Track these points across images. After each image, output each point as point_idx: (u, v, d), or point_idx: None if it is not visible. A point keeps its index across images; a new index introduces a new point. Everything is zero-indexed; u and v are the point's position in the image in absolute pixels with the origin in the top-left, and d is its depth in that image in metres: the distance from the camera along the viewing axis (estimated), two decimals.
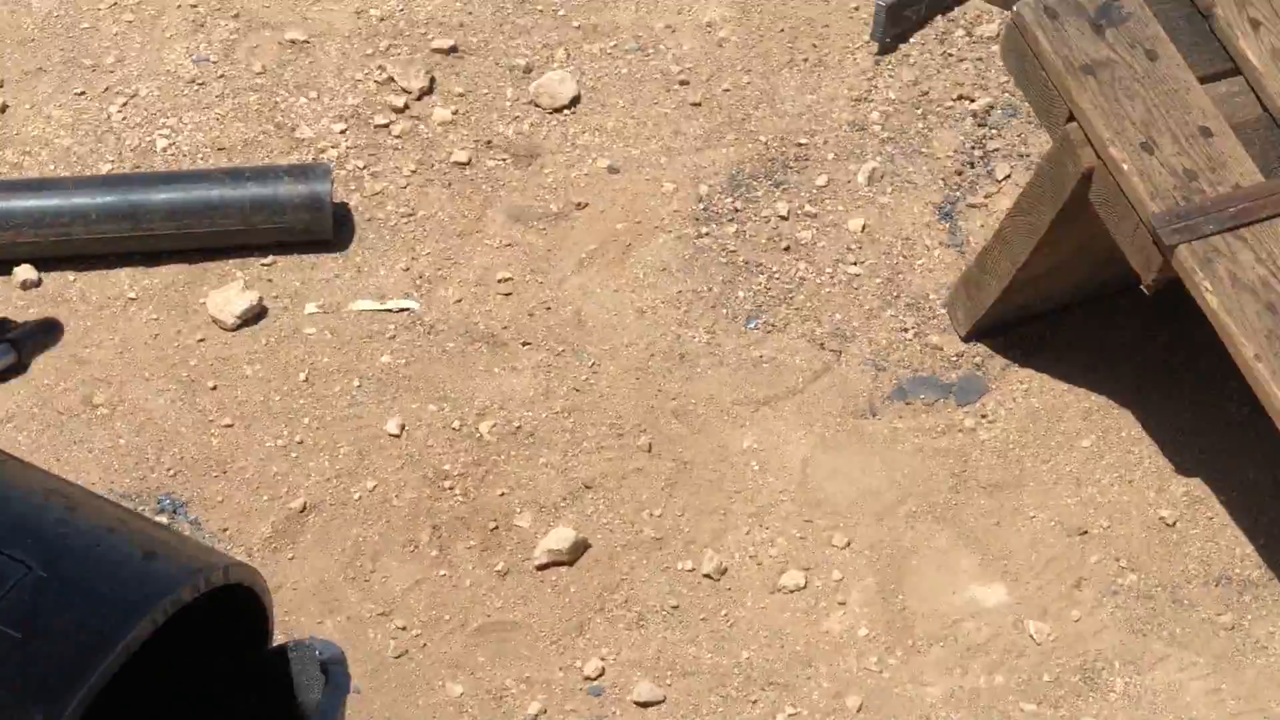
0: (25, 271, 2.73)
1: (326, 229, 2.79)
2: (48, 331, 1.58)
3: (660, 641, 2.38)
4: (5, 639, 1.40)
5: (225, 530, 2.46)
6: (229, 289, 2.72)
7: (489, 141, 2.94)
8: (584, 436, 2.57)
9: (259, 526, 2.47)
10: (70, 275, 2.74)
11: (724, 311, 2.71)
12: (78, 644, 1.41)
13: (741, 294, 2.73)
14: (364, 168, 2.90)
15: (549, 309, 2.72)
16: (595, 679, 2.36)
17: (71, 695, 1.37)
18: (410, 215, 2.84)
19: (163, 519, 2.47)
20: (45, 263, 2.75)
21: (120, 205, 2.73)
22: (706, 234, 2.81)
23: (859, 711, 2.32)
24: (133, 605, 1.44)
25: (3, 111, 2.96)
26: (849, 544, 2.47)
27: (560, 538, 2.44)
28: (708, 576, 2.43)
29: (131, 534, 1.53)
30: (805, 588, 2.43)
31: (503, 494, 2.51)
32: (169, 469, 2.53)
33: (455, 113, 2.98)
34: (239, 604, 1.61)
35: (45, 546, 1.47)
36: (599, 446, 2.56)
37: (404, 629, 2.38)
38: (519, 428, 2.58)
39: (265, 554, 2.44)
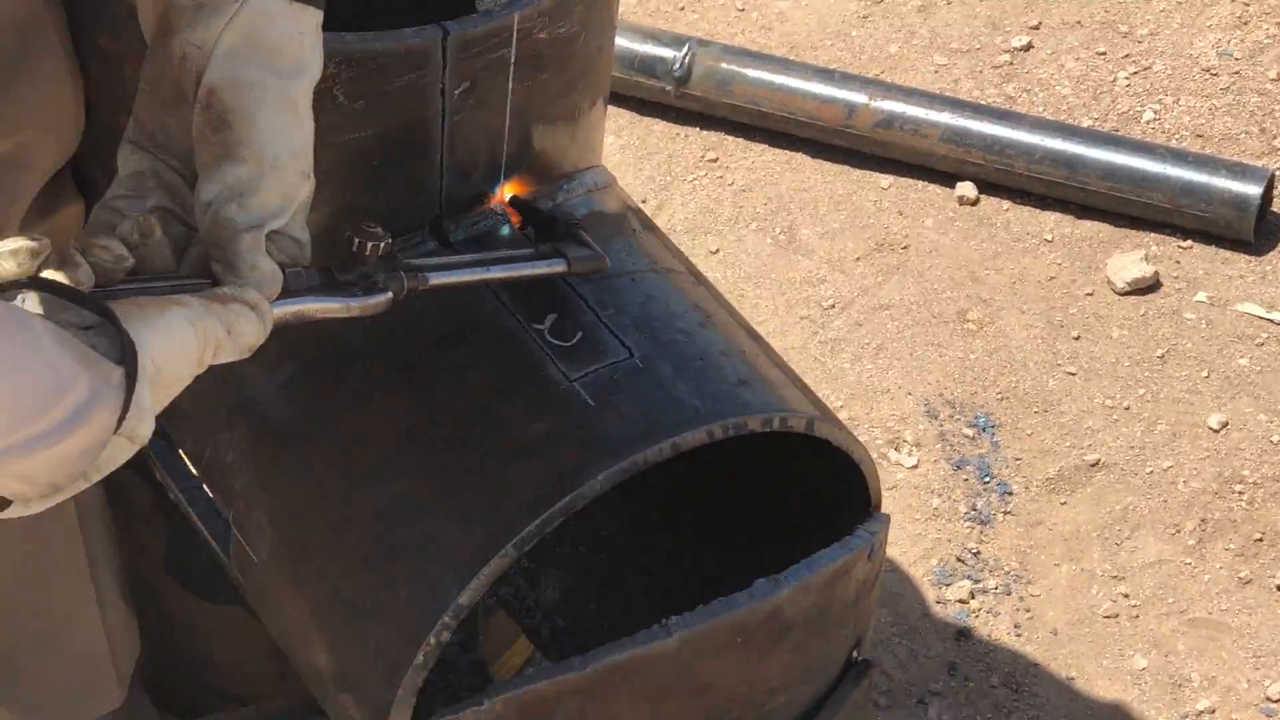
0: (966, 188, 2.99)
1: (1248, 231, 2.87)
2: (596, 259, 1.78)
3: None
4: (581, 402, 1.67)
5: (1017, 459, 2.65)
6: (1131, 256, 2.86)
7: None
8: None
9: (1048, 466, 2.63)
10: (1005, 203, 2.97)
11: None
12: (636, 430, 1.66)
13: None
14: None
15: None
16: (1275, 701, 2.38)
17: (600, 469, 1.61)
18: None
19: (969, 432, 2.69)
20: (987, 186, 3.00)
21: (1062, 153, 2.92)
22: None
23: None
24: (695, 413, 1.67)
25: (1026, 50, 3.21)
26: None
27: None
28: None
29: (743, 362, 1.74)
30: None
31: None
32: (999, 394, 2.73)
33: None
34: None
35: (656, 346, 1.71)
36: None
37: (1126, 596, 2.49)
38: None
39: (1041, 491, 2.61)
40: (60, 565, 2.02)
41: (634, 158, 3.07)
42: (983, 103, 3.09)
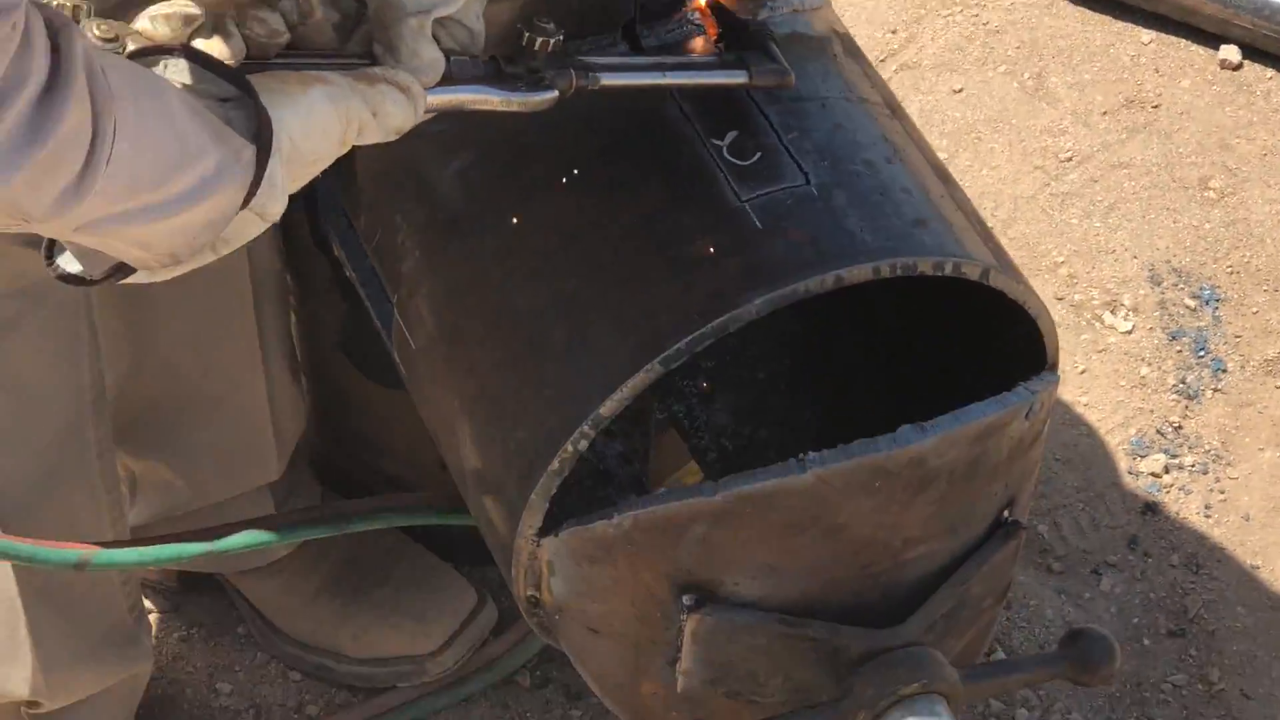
0: (1230, 51, 2.86)
1: None
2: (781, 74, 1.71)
3: None
4: (749, 223, 1.63)
5: (1237, 336, 2.55)
6: None
7: None
8: None
9: (1268, 347, 2.53)
10: (1269, 71, 2.84)
11: None
12: (801, 257, 1.61)
13: None
14: None
15: None
16: None
17: (758, 294, 1.58)
18: None
19: (1191, 303, 2.60)
20: (1253, 51, 2.86)
21: None
22: None
23: None
24: (864, 247, 1.62)
25: None
26: None
27: None
28: None
29: (925, 202, 1.68)
30: None
31: None
32: (1230, 267, 2.62)
33: None
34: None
35: (835, 174, 1.66)
36: None
37: None
38: None
39: (1256, 371, 2.51)
40: (231, 331, 2.04)
41: None
42: None
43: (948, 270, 1.65)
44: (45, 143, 1.16)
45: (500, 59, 1.51)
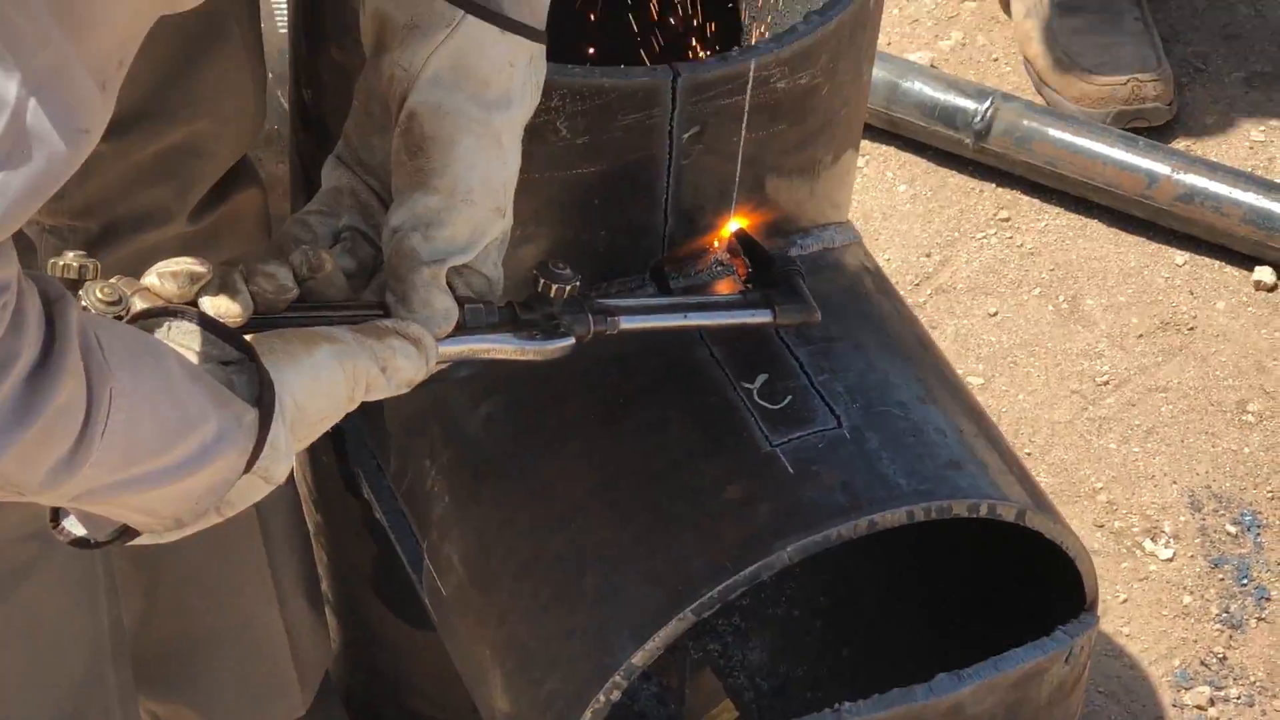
0: (1265, 273, 2.85)
1: None
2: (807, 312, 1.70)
3: None
4: (780, 468, 1.61)
5: (1278, 560, 2.52)
6: None
7: None
8: None
9: None
10: None
11: None
12: (834, 502, 1.60)
13: None
14: None
15: None
16: None
17: (791, 540, 1.56)
18: None
19: (1232, 530, 2.57)
20: None
21: None
22: None
23: None
24: (898, 491, 1.60)
25: None
26: None
27: None
28: None
29: (959, 442, 1.67)
30: None
31: None
32: (1271, 492, 2.59)
33: None
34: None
35: (867, 416, 1.64)
36: None
37: None
38: None
39: None
40: (241, 565, 2.02)
41: (924, 209, 2.99)
42: None
43: (983, 512, 1.63)
44: (35, 420, 1.14)
45: (517, 305, 1.49)
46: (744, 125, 1.67)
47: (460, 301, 1.44)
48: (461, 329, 1.44)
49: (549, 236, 1.68)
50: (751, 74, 1.64)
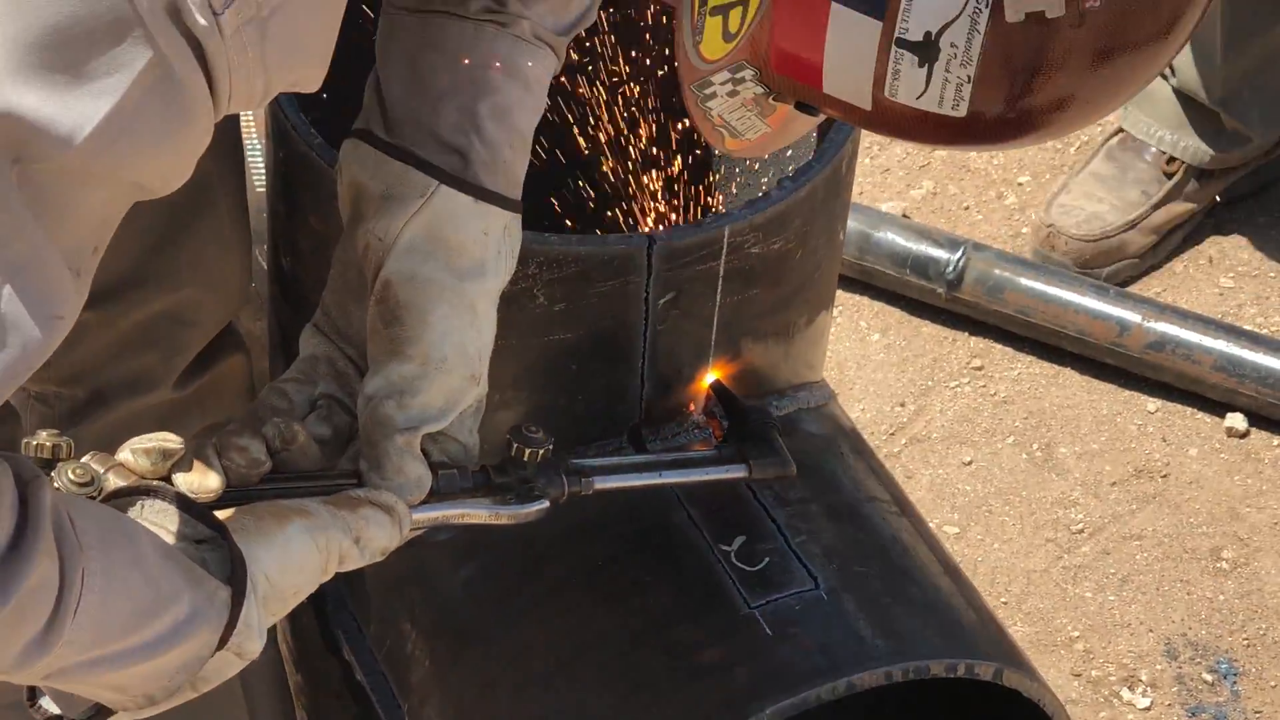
0: (1236, 420, 2.87)
1: None
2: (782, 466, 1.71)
3: None
4: (759, 630, 1.62)
5: (1257, 712, 2.51)
6: None
7: None
8: None
9: None
10: (1276, 439, 2.85)
11: None
12: (812, 664, 1.60)
13: None
14: None
15: None
16: None
17: (770, 702, 1.56)
18: None
19: (1209, 678, 2.57)
20: (1259, 419, 2.86)
21: None
22: None
23: None
24: (875, 652, 1.61)
25: None
26: None
27: None
28: None
29: (935, 601, 1.69)
30: None
31: None
32: (1246, 640, 2.59)
33: None
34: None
35: (844, 578, 1.65)
36: None
37: None
38: None
39: None
40: (218, 701, 2.02)
41: (898, 358, 3.01)
42: (1264, 332, 2.97)
43: (960, 672, 1.64)
44: (8, 601, 1.15)
45: (491, 469, 1.49)
46: (719, 290, 1.70)
47: (434, 468, 1.45)
48: (435, 495, 1.45)
49: (527, 401, 1.69)
50: (725, 240, 1.66)
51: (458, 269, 1.44)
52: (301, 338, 1.53)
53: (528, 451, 1.50)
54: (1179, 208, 3.10)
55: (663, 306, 1.68)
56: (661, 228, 1.82)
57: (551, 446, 1.51)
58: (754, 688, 1.59)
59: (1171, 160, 3.07)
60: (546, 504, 1.51)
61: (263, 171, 2.27)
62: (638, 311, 1.67)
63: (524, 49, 1.48)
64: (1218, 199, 3.13)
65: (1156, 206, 3.08)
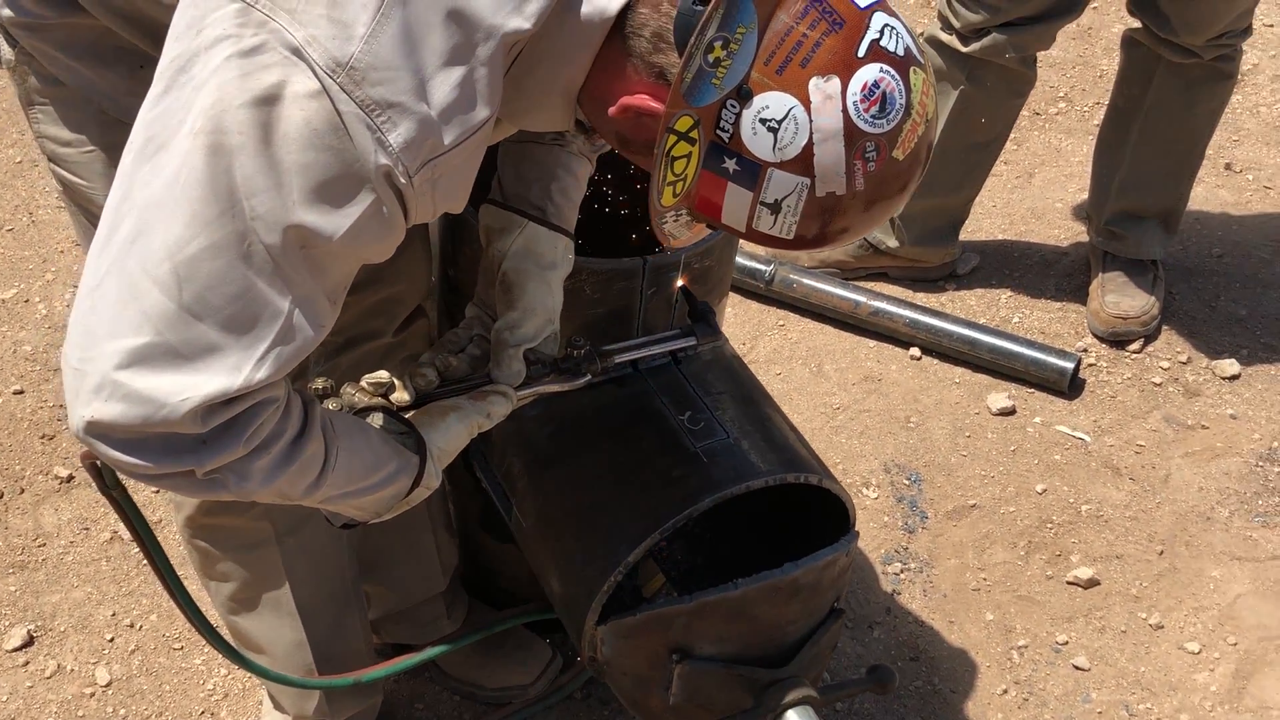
0: (915, 351, 2.87)
1: (1064, 386, 2.74)
2: (714, 337, 1.72)
3: None
4: (701, 460, 1.61)
5: (930, 498, 2.52)
6: (999, 394, 2.74)
7: None
8: None
9: (947, 503, 2.52)
10: (934, 361, 2.84)
11: None
12: (728, 477, 1.58)
13: None
14: None
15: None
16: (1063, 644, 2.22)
17: (707, 496, 1.55)
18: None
19: (906, 481, 2.57)
20: (927, 350, 2.84)
21: (965, 336, 2.77)
22: None
23: None
24: (761, 471, 1.60)
25: (959, 289, 3.09)
26: None
27: None
28: None
29: (786, 444, 1.66)
30: None
31: None
32: (925, 464, 2.61)
33: None
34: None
35: (743, 432, 1.63)
36: None
37: (983, 576, 2.35)
38: None
39: (943, 517, 2.49)
40: (411, 513, 1.99)
41: (740, 319, 3.00)
42: (929, 305, 2.97)
43: (806, 479, 1.64)
44: (293, 464, 1.16)
45: (558, 361, 1.50)
46: (676, 284, 1.68)
47: (529, 365, 1.45)
48: (530, 381, 1.46)
49: (579, 332, 1.67)
50: (682, 260, 1.65)
51: (541, 264, 1.45)
52: (467, 308, 1.54)
53: (574, 351, 1.50)
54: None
55: (649, 295, 1.66)
56: (652, 254, 1.79)
57: (589, 347, 1.51)
58: (698, 489, 1.59)
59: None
60: (590, 377, 1.51)
61: (437, 222, 2.22)
62: (636, 297, 1.67)
63: (574, 159, 1.48)
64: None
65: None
